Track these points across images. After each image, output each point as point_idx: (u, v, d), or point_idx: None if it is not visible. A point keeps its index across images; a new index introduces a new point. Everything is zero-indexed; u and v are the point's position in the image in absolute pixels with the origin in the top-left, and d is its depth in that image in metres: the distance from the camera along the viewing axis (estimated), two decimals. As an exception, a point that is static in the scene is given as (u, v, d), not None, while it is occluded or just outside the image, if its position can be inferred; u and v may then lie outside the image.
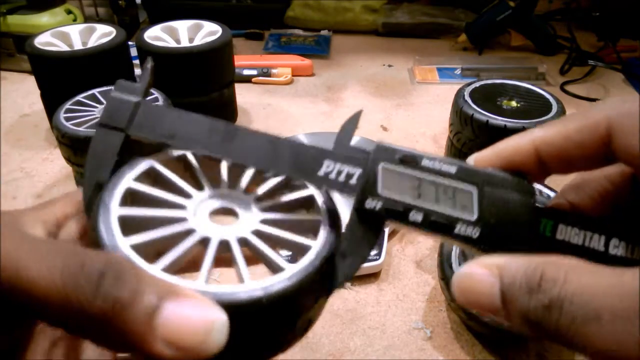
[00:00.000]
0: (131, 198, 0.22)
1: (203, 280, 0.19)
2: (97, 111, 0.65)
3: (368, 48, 1.18)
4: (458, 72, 1.04)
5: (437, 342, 0.50)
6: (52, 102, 0.79)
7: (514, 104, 0.70)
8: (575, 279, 0.18)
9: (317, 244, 0.22)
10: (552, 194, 0.54)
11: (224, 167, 0.25)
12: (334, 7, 1.24)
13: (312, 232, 0.23)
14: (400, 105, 0.94)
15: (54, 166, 0.76)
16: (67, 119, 0.61)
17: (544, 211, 0.22)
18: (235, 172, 0.25)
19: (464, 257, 0.51)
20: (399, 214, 0.21)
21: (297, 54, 1.07)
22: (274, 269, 0.21)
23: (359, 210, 0.22)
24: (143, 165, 0.23)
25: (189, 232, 0.21)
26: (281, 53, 1.11)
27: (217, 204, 0.23)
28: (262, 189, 0.24)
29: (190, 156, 0.24)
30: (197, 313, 0.16)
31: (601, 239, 0.21)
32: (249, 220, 0.23)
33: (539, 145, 0.21)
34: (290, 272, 0.20)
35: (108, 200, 0.21)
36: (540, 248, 0.21)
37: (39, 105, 0.81)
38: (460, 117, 0.69)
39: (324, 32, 1.23)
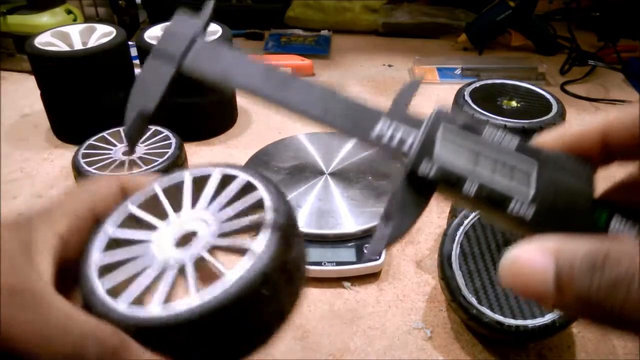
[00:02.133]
0: (115, 243, 0.23)
1: (158, 303, 0.20)
2: (113, 152, 0.68)
3: (368, 48, 1.19)
4: (458, 72, 1.04)
5: (437, 342, 0.50)
6: (52, 102, 0.79)
7: (514, 104, 0.70)
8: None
9: (259, 243, 0.21)
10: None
11: (186, 191, 0.25)
12: (334, 7, 1.24)
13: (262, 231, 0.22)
14: (400, 105, 0.94)
15: (54, 166, 0.76)
16: (88, 164, 0.65)
17: (600, 201, 0.21)
18: (197, 193, 0.25)
19: (464, 258, 0.51)
20: (453, 182, 0.20)
21: (297, 54, 1.07)
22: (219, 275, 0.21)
23: (410, 175, 0.21)
24: (122, 211, 0.24)
25: (151, 263, 0.22)
26: (281, 53, 1.11)
27: (178, 230, 0.24)
28: (215, 205, 0.24)
29: (159, 192, 0.25)
30: None
31: None
32: (205, 237, 0.23)
33: (608, 127, 0.20)
34: (229, 280, 0.20)
35: (87, 261, 0.22)
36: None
37: (39, 105, 0.81)
38: (460, 117, 0.69)
39: (324, 32, 1.23)
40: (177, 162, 0.63)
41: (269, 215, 0.22)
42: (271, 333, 0.22)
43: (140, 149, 0.70)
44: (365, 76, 1.05)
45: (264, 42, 1.18)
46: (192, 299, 0.20)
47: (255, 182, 0.23)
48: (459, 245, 0.52)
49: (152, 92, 0.22)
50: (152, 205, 0.25)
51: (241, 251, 0.22)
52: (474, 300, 0.48)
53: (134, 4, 1.20)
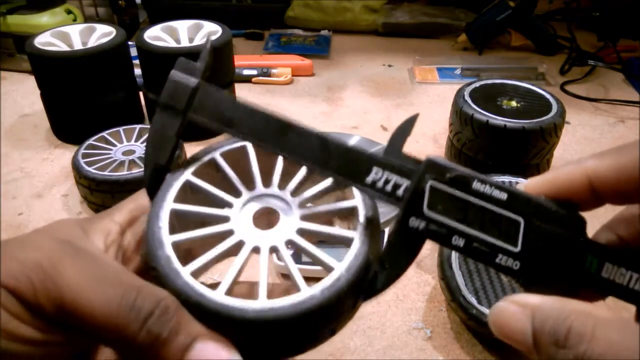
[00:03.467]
0: (177, 216, 0.23)
1: (263, 294, 0.21)
2: (113, 152, 0.69)
3: (368, 48, 1.18)
4: (458, 72, 1.04)
5: (437, 342, 0.50)
6: (52, 102, 0.79)
7: (514, 104, 0.70)
8: (603, 336, 0.17)
9: (345, 265, 0.21)
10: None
11: (254, 166, 0.25)
12: (334, 7, 1.24)
13: (346, 245, 0.22)
14: (400, 105, 0.94)
15: (54, 166, 0.76)
16: (88, 164, 0.65)
17: (592, 247, 0.21)
18: (266, 169, 0.25)
19: (464, 258, 0.51)
20: (441, 236, 0.21)
21: (297, 54, 1.07)
22: (327, 269, 0.22)
23: (401, 226, 0.21)
24: (179, 182, 0.23)
25: (228, 234, 0.22)
26: (281, 53, 1.11)
27: (258, 206, 0.24)
28: (306, 193, 0.24)
29: (220, 160, 0.24)
30: (220, 354, 0.20)
31: None
32: (288, 226, 0.23)
33: (591, 176, 0.21)
34: (313, 292, 0.20)
35: (157, 213, 0.22)
36: (583, 284, 0.21)
37: (39, 105, 0.81)
38: (460, 117, 0.69)
39: (324, 32, 1.23)
40: (177, 161, 0.63)
41: (364, 230, 0.23)
42: (323, 340, 0.23)
43: (140, 149, 0.70)
44: (365, 76, 1.05)
45: (264, 42, 1.18)
46: (301, 294, 0.20)
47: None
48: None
49: (164, 147, 0.23)
50: (213, 178, 0.24)
51: (345, 241, 0.22)
52: (473, 300, 0.48)
53: (134, 4, 1.21)
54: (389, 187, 0.22)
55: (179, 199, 0.23)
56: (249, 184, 0.24)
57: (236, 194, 0.24)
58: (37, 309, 0.19)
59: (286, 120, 0.23)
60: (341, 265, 0.21)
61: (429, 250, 0.61)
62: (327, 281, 0.21)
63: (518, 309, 0.19)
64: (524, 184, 0.22)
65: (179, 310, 0.20)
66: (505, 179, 0.59)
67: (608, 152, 0.21)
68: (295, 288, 0.21)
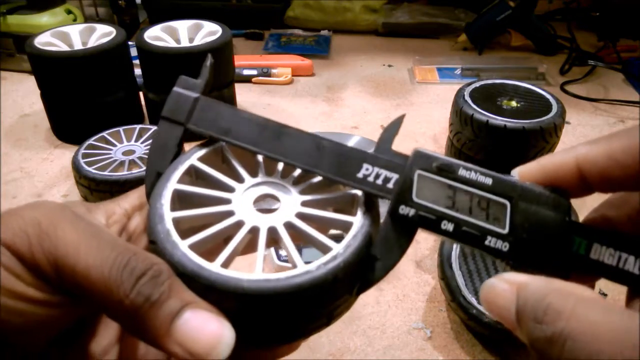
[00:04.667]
0: (179, 196, 0.24)
1: (259, 269, 0.21)
2: (113, 152, 0.69)
3: (368, 48, 1.19)
4: (458, 72, 1.04)
5: (437, 342, 0.50)
6: (52, 102, 0.79)
7: (514, 104, 0.70)
8: (582, 314, 0.17)
9: (343, 244, 0.22)
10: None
11: (259, 156, 0.26)
12: (334, 7, 1.24)
13: (346, 230, 0.23)
14: (400, 105, 0.94)
15: (54, 166, 0.76)
16: (88, 164, 0.65)
17: (579, 229, 0.21)
18: (271, 163, 0.26)
19: (464, 258, 0.51)
20: (431, 222, 0.22)
21: (297, 54, 1.08)
22: (324, 249, 0.22)
23: (392, 215, 0.22)
24: (184, 166, 0.24)
25: (228, 214, 0.23)
26: (281, 53, 1.11)
27: (260, 191, 0.24)
28: (308, 182, 0.25)
29: (227, 149, 0.25)
30: (209, 326, 0.19)
31: (637, 261, 0.21)
32: (288, 210, 0.24)
33: (582, 163, 0.21)
34: (308, 268, 0.21)
35: (163, 187, 0.23)
36: (572, 266, 0.21)
37: (39, 105, 0.81)
38: (460, 117, 0.69)
39: (324, 32, 1.23)
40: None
41: (361, 204, 0.23)
42: (322, 327, 0.23)
43: (140, 149, 0.70)
44: (365, 76, 1.05)
45: (264, 42, 1.18)
46: (297, 269, 0.21)
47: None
48: (459, 245, 0.52)
49: (165, 157, 0.24)
50: (214, 162, 0.25)
51: (344, 225, 0.23)
52: (473, 300, 0.48)
53: (134, 4, 1.21)
54: (379, 181, 0.23)
55: (183, 181, 0.24)
56: (253, 174, 0.25)
57: (239, 181, 0.25)
58: (33, 266, 0.19)
59: (280, 125, 0.24)
60: (339, 245, 0.22)
61: (429, 250, 0.61)
62: (324, 259, 0.21)
63: (506, 286, 0.20)
64: (516, 171, 0.23)
65: (171, 277, 0.20)
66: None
67: (599, 140, 0.21)
68: (292, 266, 0.21)
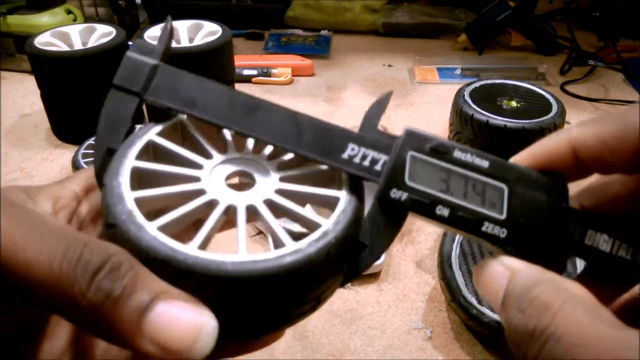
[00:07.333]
0: (138, 176, 0.20)
1: (197, 244, 0.18)
2: None
3: (368, 48, 1.18)
4: (458, 72, 1.04)
5: (437, 342, 0.50)
6: (52, 102, 0.79)
7: (514, 104, 0.70)
8: (570, 313, 0.16)
9: (332, 220, 0.20)
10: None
11: (226, 131, 0.23)
12: (334, 7, 1.24)
13: (330, 207, 0.21)
14: (400, 105, 0.94)
15: (54, 166, 0.76)
16: (88, 164, 0.66)
17: (575, 214, 0.21)
18: (239, 138, 0.23)
19: (464, 258, 0.51)
20: (425, 206, 0.20)
21: (297, 54, 1.07)
22: (278, 244, 0.20)
23: (381, 199, 0.20)
24: (141, 141, 0.21)
25: (199, 193, 0.20)
26: (281, 53, 1.11)
27: (232, 168, 0.22)
28: (284, 158, 0.23)
29: (188, 123, 0.23)
30: (186, 317, 0.16)
31: (630, 248, 0.20)
32: (265, 187, 0.21)
33: (576, 145, 0.20)
34: (299, 246, 0.19)
35: (119, 164, 0.20)
36: (568, 252, 0.21)
37: (39, 105, 0.81)
38: (460, 117, 0.69)
39: (324, 32, 1.23)
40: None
41: (348, 194, 0.21)
42: (306, 314, 0.21)
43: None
44: (365, 76, 1.05)
45: (264, 42, 1.18)
46: (286, 248, 0.19)
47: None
48: (459, 245, 0.52)
49: (117, 131, 0.21)
50: (174, 140, 0.23)
51: (330, 201, 0.21)
52: (473, 300, 0.48)
53: (134, 4, 1.20)
54: (366, 162, 0.21)
55: (141, 159, 0.21)
56: (220, 149, 0.23)
57: (207, 157, 0.22)
58: None
59: (252, 99, 0.21)
60: (328, 221, 0.20)
61: (429, 250, 0.61)
62: (314, 235, 0.19)
63: (500, 269, 0.19)
64: (513, 157, 0.22)
65: (135, 267, 0.17)
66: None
67: (591, 122, 0.21)
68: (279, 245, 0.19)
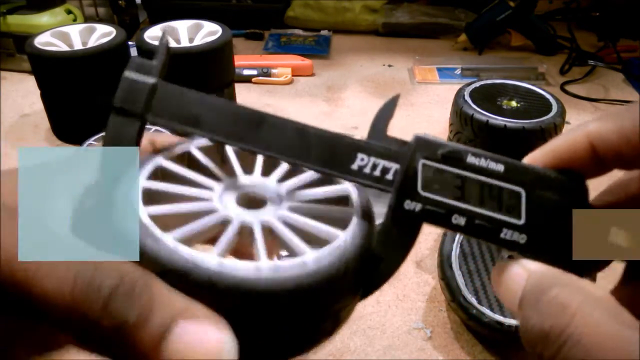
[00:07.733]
0: (148, 196, 0.20)
1: (218, 253, 0.18)
2: None
3: (368, 48, 1.18)
4: (458, 72, 1.04)
5: (437, 342, 0.50)
6: (52, 102, 0.79)
7: (514, 104, 0.70)
8: (588, 314, 0.16)
9: (345, 237, 0.20)
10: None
11: (231, 156, 0.23)
12: (334, 7, 1.24)
13: (342, 226, 0.20)
14: (400, 105, 0.92)
15: (54, 166, 0.76)
16: None
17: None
18: (247, 163, 0.23)
19: (464, 258, 0.51)
20: (440, 216, 0.20)
21: (297, 54, 1.07)
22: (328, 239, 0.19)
23: (395, 211, 0.20)
24: (150, 165, 0.21)
25: (211, 211, 0.20)
26: (281, 53, 1.11)
27: (241, 190, 0.22)
28: (293, 181, 0.22)
29: (195, 151, 0.22)
30: (208, 335, 0.16)
31: None
32: (276, 208, 0.21)
33: (594, 140, 0.20)
34: (315, 264, 0.18)
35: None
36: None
37: (39, 105, 0.81)
38: (460, 117, 0.69)
39: (324, 32, 1.23)
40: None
41: (359, 213, 0.21)
42: (324, 337, 0.20)
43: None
44: (365, 76, 1.05)
45: (264, 42, 1.18)
46: (306, 255, 0.18)
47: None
48: (459, 245, 0.52)
49: None
50: (187, 164, 0.22)
51: (341, 219, 0.21)
52: (474, 300, 0.48)
53: (134, 4, 1.20)
54: (377, 172, 0.20)
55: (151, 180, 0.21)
56: (229, 172, 0.22)
57: (216, 180, 0.22)
58: None
59: (258, 113, 0.21)
60: (345, 233, 0.20)
61: (429, 250, 0.61)
62: (334, 245, 0.19)
63: (520, 270, 0.19)
64: (529, 157, 0.21)
65: (150, 284, 0.16)
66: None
67: (609, 115, 0.20)
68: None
